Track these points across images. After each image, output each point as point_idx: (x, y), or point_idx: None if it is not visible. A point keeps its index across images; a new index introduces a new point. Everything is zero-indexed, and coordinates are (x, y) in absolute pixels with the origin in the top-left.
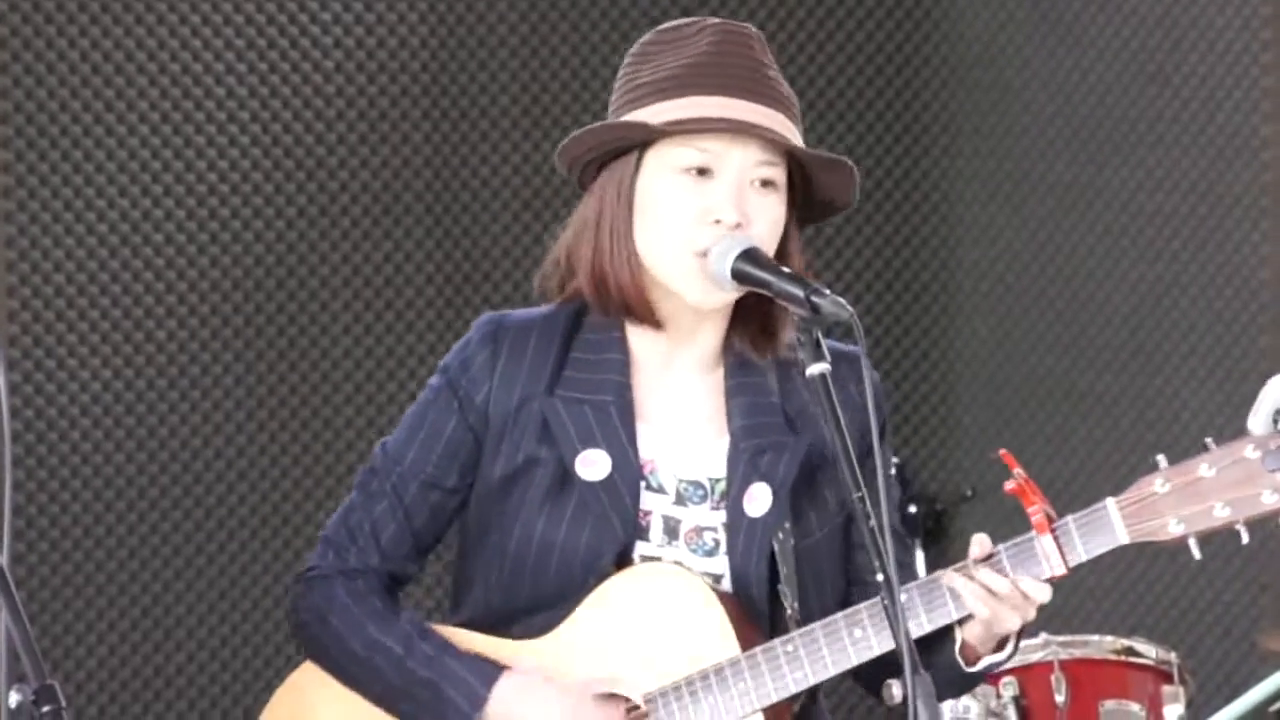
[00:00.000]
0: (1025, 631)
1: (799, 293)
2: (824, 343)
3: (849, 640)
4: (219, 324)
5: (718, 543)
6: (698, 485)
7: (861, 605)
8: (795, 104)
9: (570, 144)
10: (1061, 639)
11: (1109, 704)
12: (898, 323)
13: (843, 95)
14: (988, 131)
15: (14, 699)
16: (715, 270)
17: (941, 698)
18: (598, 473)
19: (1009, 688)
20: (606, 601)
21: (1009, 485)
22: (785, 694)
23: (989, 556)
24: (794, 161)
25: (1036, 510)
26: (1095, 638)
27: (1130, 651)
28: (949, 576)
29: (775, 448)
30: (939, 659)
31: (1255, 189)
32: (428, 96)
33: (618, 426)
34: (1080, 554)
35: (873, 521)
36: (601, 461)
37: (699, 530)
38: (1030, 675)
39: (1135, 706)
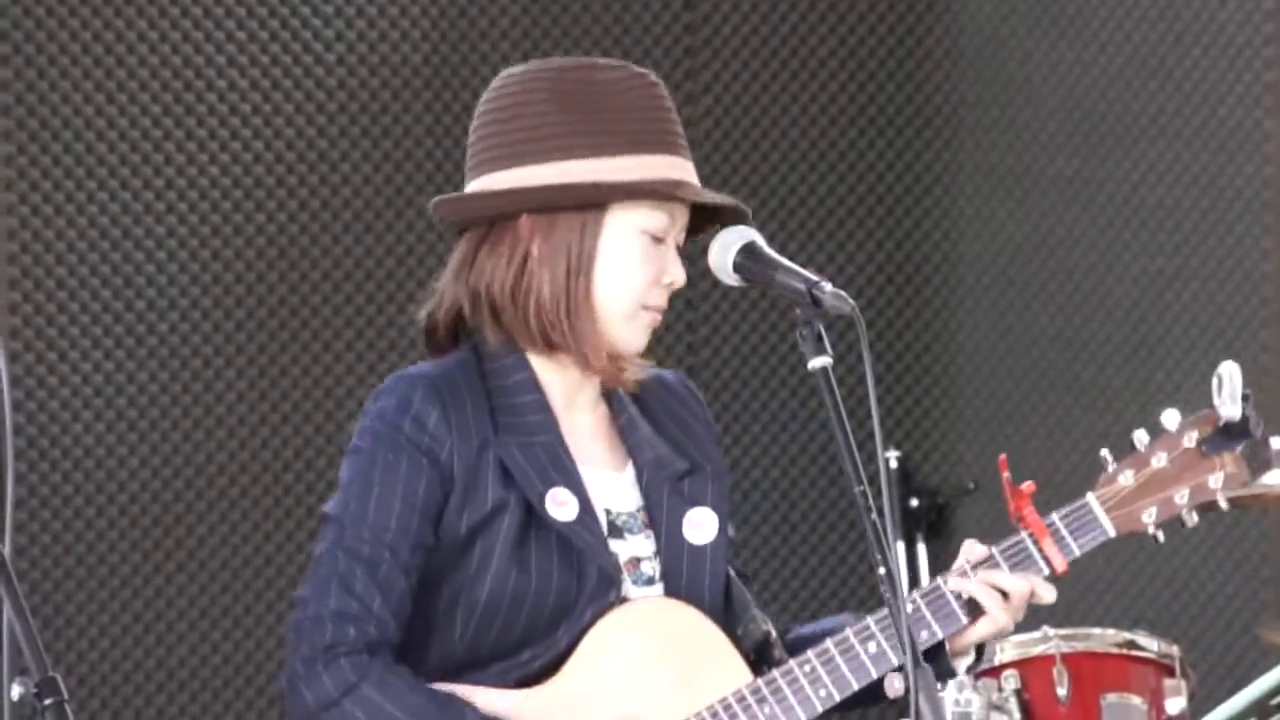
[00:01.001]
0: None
1: (801, 287)
2: (826, 337)
3: (865, 655)
4: (220, 316)
5: (654, 572)
6: (631, 516)
7: (869, 619)
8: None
9: (514, 192)
10: (1063, 632)
11: (1111, 697)
12: (899, 316)
13: (845, 89)
14: (989, 125)
15: (16, 691)
16: (717, 264)
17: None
18: (568, 513)
19: (1010, 681)
20: (611, 641)
21: (1025, 486)
22: (814, 714)
23: (984, 560)
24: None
25: (1032, 512)
26: (1097, 631)
27: (1132, 645)
28: (955, 582)
29: (692, 474)
30: (931, 665)
31: (1257, 182)
32: (428, 90)
33: (567, 464)
34: (1074, 551)
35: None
36: (570, 501)
37: (636, 561)
38: (1032, 668)
39: (1137, 700)
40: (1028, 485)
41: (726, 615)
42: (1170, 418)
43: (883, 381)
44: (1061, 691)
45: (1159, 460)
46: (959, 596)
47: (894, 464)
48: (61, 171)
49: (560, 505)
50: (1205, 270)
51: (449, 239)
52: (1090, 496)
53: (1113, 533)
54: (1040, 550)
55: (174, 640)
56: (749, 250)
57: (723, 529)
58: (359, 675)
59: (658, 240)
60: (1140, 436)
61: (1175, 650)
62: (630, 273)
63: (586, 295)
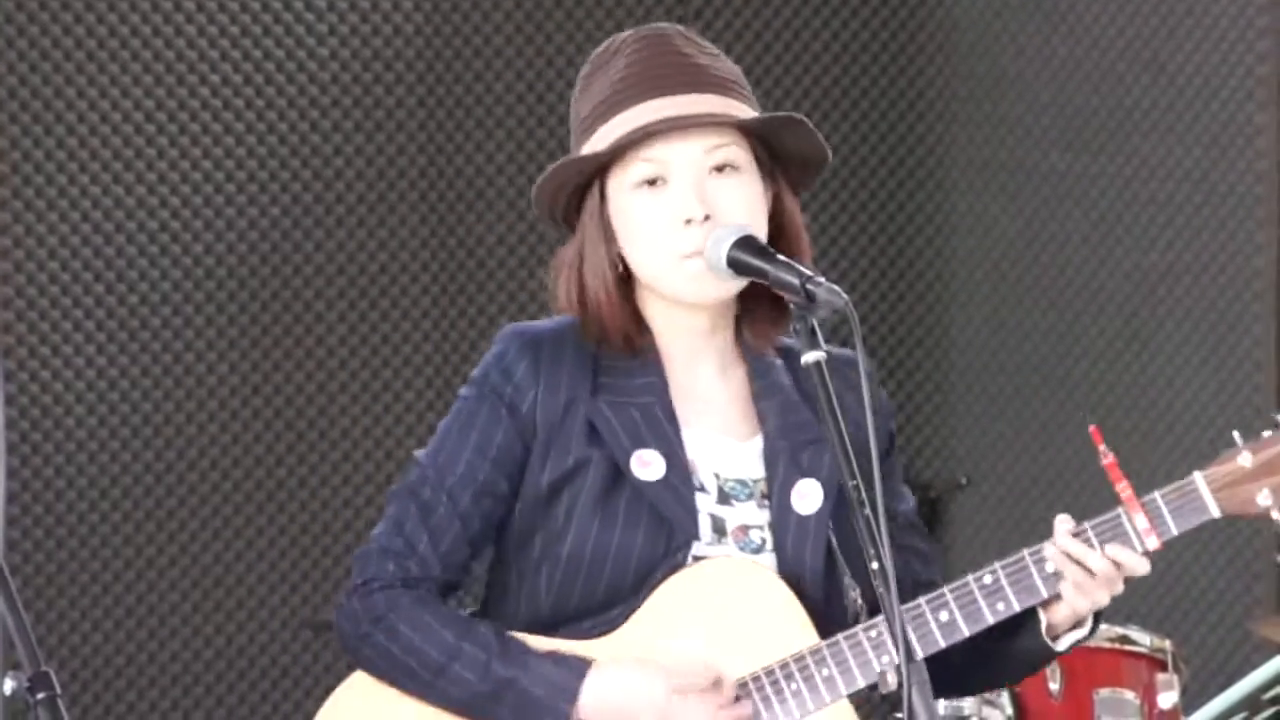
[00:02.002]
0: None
1: (794, 281)
2: (819, 331)
3: (935, 624)
4: (213, 311)
5: (764, 540)
6: (742, 483)
7: (945, 588)
8: (736, 79)
9: (537, 195)
10: None
11: (1103, 692)
12: (893, 311)
13: (838, 83)
14: (983, 120)
15: (9, 686)
16: (711, 258)
17: (1021, 677)
18: (654, 473)
19: None
20: (675, 597)
21: (1105, 460)
22: (872, 679)
23: (1078, 534)
24: (758, 135)
25: (1125, 487)
26: None
27: (1125, 640)
28: (1039, 554)
29: (815, 445)
30: (1024, 641)
31: (1250, 177)
32: (423, 86)
33: (665, 427)
34: (1171, 529)
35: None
36: (656, 462)
37: (745, 529)
38: None
39: (1130, 694)
40: (1111, 458)
41: (828, 585)
42: None
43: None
44: (1054, 686)
45: None
46: (1041, 568)
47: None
48: (54, 166)
49: (645, 465)
50: (1198, 265)
51: (441, 234)
52: (1197, 475)
53: (1217, 513)
54: (1133, 526)
55: (167, 635)
56: (743, 244)
57: (829, 500)
58: (389, 606)
59: (654, 184)
60: (1236, 437)
61: (1168, 645)
62: (640, 230)
63: (607, 268)
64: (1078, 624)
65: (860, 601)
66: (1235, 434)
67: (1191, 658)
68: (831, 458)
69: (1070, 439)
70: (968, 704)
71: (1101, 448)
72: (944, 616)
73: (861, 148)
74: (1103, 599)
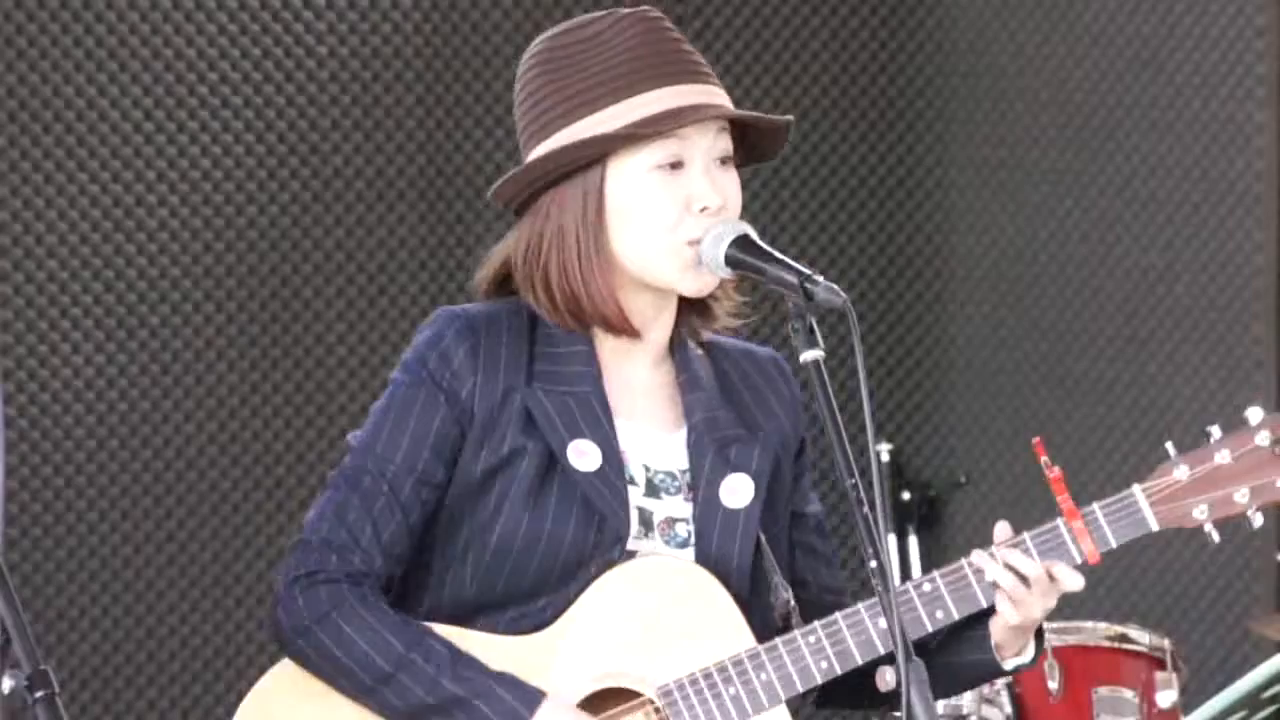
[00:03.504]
0: (1042, 633)
1: (793, 279)
2: (818, 330)
3: (874, 631)
4: (211, 309)
5: (689, 534)
6: (671, 476)
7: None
8: (710, 69)
9: (531, 168)
10: (1054, 625)
11: (1102, 690)
12: (891, 309)
13: (836, 82)
14: (982, 117)
15: (7, 684)
16: (708, 255)
17: (965, 689)
18: (589, 463)
19: None
20: (611, 593)
21: (1053, 473)
22: (811, 684)
23: (1015, 544)
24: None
25: (1066, 499)
26: (1089, 624)
27: (1123, 638)
28: (977, 561)
29: (743, 439)
30: (973, 657)
31: (1249, 175)
32: (420, 82)
33: (599, 417)
34: (1110, 541)
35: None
36: (591, 452)
37: (671, 521)
38: None
39: (1129, 693)
40: (1056, 472)
41: (753, 582)
42: (1254, 414)
43: (874, 375)
44: (1053, 685)
45: (1222, 456)
46: (980, 578)
47: (886, 457)
48: (52, 163)
49: (581, 456)
50: (1197, 263)
51: (440, 231)
52: (1136, 488)
53: (1156, 526)
54: (1073, 537)
55: (165, 633)
56: (741, 243)
57: (758, 496)
58: (332, 604)
59: (675, 168)
60: (1214, 431)
61: (1167, 643)
62: (648, 211)
63: (599, 254)
64: (1020, 651)
65: (792, 603)
66: (1169, 445)
67: (1190, 656)
68: (761, 456)
69: (1070, 438)
70: (967, 703)
71: (1044, 459)
72: (883, 623)
73: (861, 147)
74: (1036, 612)
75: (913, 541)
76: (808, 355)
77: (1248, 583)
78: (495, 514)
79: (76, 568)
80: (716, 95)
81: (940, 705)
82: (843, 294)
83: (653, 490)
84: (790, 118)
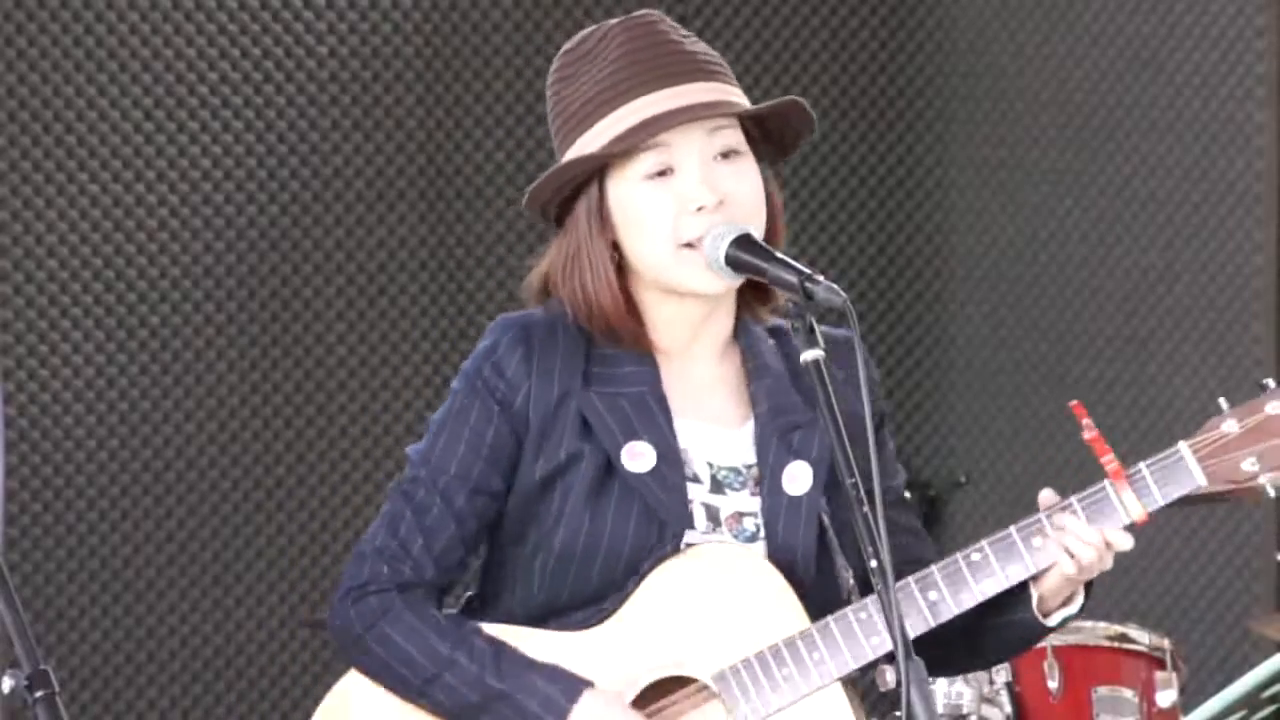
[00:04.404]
0: (1091, 582)
1: (793, 279)
2: (818, 329)
3: (924, 603)
4: (212, 310)
5: (758, 528)
6: (735, 471)
7: (933, 567)
8: (720, 62)
9: (534, 194)
10: None
11: (1102, 690)
12: (891, 309)
13: (836, 81)
14: (981, 117)
15: (7, 684)
16: (710, 256)
17: (1014, 653)
18: (644, 464)
19: (1001, 673)
20: (666, 585)
21: (1087, 435)
22: (864, 661)
23: (1065, 507)
24: (753, 117)
25: (1111, 459)
26: (1088, 624)
27: (1123, 638)
28: (1024, 528)
29: (805, 425)
30: (1015, 615)
31: (1249, 175)
32: (420, 83)
33: (656, 417)
34: (1157, 499)
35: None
36: (646, 453)
37: (739, 516)
38: (1023, 661)
39: (1128, 692)
40: (1094, 432)
41: (819, 567)
42: None
43: None
44: (1053, 684)
45: (1274, 407)
46: (1029, 544)
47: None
48: (52, 163)
49: (636, 457)
50: (1197, 263)
51: (440, 233)
52: (1182, 444)
53: (1204, 481)
54: (1119, 497)
55: (165, 633)
56: (741, 242)
57: (818, 482)
58: (382, 612)
59: (665, 174)
60: (1270, 383)
61: (1166, 643)
62: (646, 221)
63: (605, 265)
64: (1067, 601)
65: (853, 583)
66: (1221, 400)
67: (1190, 656)
68: (821, 440)
69: (1069, 437)
70: (966, 702)
71: (1085, 421)
72: (933, 595)
73: (861, 146)
74: (1091, 571)
75: None
76: (808, 355)
77: (1248, 583)
78: (557, 520)
79: (76, 568)
80: (703, 91)
81: (940, 704)
82: (843, 293)
83: (717, 486)
84: (785, 99)
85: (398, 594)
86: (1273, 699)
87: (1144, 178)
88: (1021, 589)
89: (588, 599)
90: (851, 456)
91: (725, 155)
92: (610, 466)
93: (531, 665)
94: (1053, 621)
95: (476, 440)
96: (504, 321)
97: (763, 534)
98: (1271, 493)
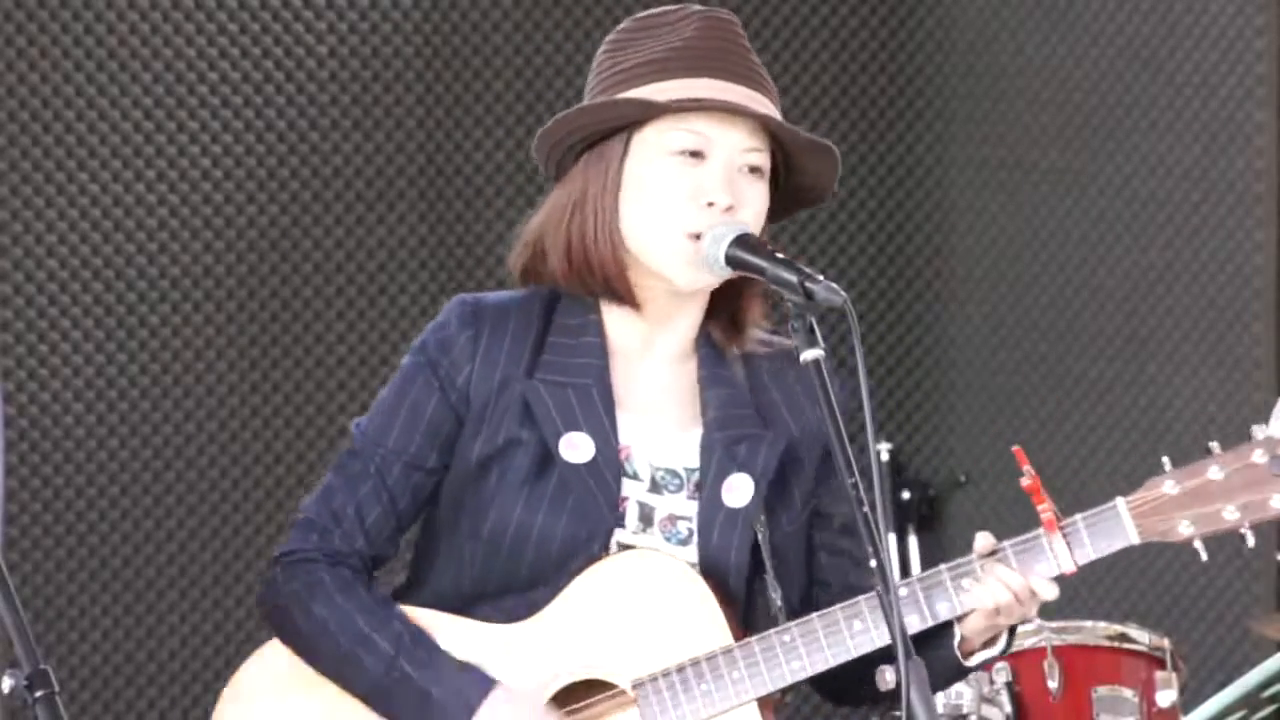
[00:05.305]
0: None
1: (793, 279)
2: (818, 329)
3: (848, 633)
4: (211, 309)
5: (691, 532)
6: (674, 473)
7: (859, 598)
8: (776, 91)
9: (559, 123)
10: (1054, 625)
11: (1102, 690)
12: (891, 309)
13: (836, 81)
14: (981, 117)
15: (7, 683)
16: (709, 254)
17: (934, 689)
18: (581, 455)
19: (1002, 673)
20: (594, 586)
21: (1025, 482)
22: (781, 684)
23: (994, 553)
24: (775, 154)
25: (1046, 509)
26: (1088, 624)
27: (1123, 638)
28: (955, 570)
29: (751, 439)
30: (937, 653)
31: (1250, 175)
32: (420, 83)
33: (599, 410)
34: (1089, 553)
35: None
36: (584, 445)
37: (673, 519)
38: (1023, 661)
39: (1128, 692)
40: (1030, 481)
41: (751, 581)
42: (1258, 430)
43: (875, 374)
44: (1053, 684)
45: (1215, 472)
46: (958, 585)
47: (886, 456)
48: (52, 163)
49: (574, 448)
50: (1197, 263)
51: (440, 231)
52: (1119, 501)
53: (1136, 539)
54: (1051, 547)
55: (165, 632)
56: (741, 242)
57: (758, 496)
58: (306, 582)
59: (695, 157)
60: (1214, 447)
61: (1166, 643)
62: (656, 195)
63: (612, 216)
64: (990, 642)
65: (780, 603)
66: (1165, 459)
67: (1190, 656)
68: (768, 456)
69: (1069, 437)
70: (966, 702)
71: (1026, 468)
72: (857, 625)
73: (860, 146)
74: (1014, 620)
75: (913, 541)
76: (808, 355)
77: (1248, 583)
78: (489, 503)
79: (76, 568)
80: (759, 102)
81: (940, 705)
82: (842, 293)
83: (656, 487)
84: (830, 144)
85: (325, 564)
86: (1273, 699)
87: (1144, 178)
88: (945, 626)
89: (519, 586)
90: (852, 457)
91: (752, 170)
92: (548, 457)
93: (446, 657)
94: (973, 662)
95: (415, 415)
96: (459, 301)
97: (696, 540)
98: (1204, 555)
